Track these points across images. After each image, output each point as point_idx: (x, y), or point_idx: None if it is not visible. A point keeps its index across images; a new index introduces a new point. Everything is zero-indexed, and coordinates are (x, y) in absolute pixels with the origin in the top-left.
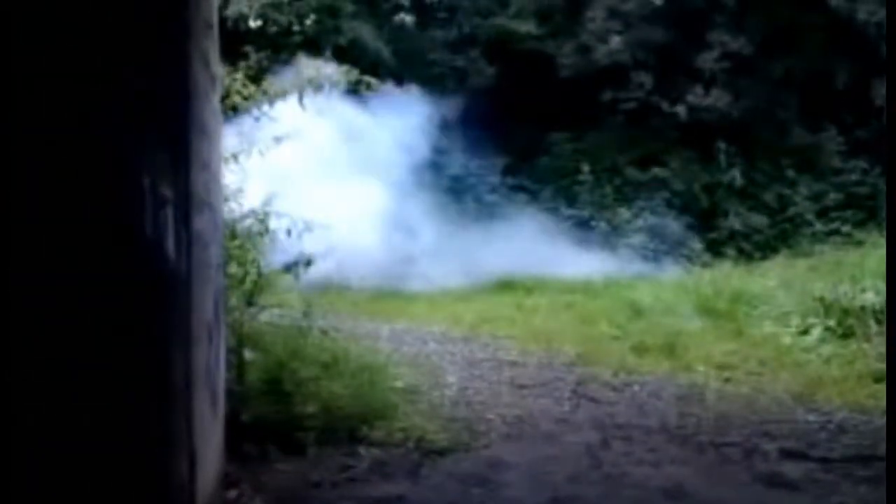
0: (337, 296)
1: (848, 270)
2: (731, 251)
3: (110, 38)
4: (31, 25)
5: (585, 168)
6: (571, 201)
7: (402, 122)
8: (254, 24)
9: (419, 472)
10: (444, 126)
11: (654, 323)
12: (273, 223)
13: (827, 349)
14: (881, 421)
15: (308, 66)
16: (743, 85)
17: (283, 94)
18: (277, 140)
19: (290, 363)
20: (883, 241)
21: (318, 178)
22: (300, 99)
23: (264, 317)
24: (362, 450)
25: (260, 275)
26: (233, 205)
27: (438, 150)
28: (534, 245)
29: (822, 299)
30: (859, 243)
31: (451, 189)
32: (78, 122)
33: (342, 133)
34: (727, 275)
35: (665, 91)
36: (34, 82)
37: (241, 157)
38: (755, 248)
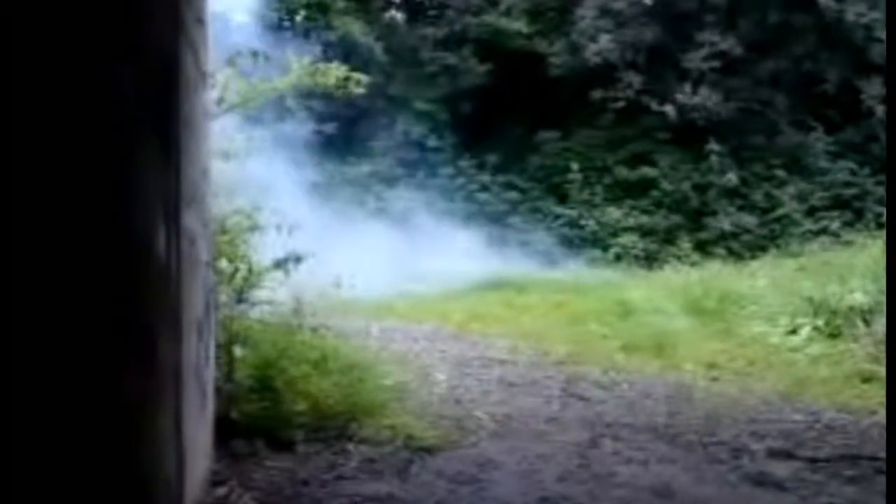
0: (326, 294)
1: (836, 270)
2: (720, 251)
3: (101, 32)
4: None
5: (575, 167)
6: (561, 200)
7: (392, 120)
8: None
9: (408, 469)
10: (435, 124)
11: (644, 322)
12: (263, 220)
13: (815, 349)
14: (868, 421)
15: (297, 64)
16: (732, 85)
17: (273, 93)
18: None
19: (280, 360)
20: (871, 242)
21: (301, 176)
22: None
23: (254, 313)
24: (351, 447)
25: (251, 271)
26: (222, 200)
27: (429, 149)
28: (524, 243)
29: (810, 299)
30: (847, 243)
31: (441, 187)
32: (67, 118)
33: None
34: (716, 274)
35: (654, 90)
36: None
37: (231, 155)
38: (744, 247)
